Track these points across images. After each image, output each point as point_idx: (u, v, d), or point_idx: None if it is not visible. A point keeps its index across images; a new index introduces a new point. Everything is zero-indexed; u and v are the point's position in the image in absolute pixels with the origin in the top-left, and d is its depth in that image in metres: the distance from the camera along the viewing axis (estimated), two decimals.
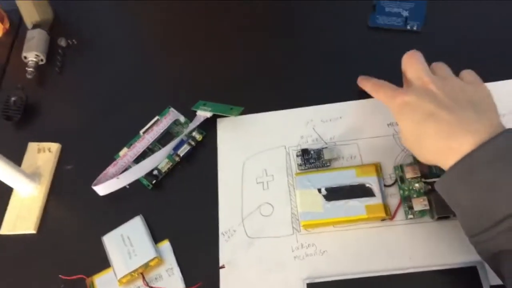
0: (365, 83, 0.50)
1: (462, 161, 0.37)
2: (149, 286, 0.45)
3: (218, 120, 0.56)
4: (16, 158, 0.54)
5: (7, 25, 0.71)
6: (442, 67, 0.44)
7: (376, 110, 0.52)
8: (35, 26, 0.68)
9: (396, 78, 0.53)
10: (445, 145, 0.38)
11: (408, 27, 0.57)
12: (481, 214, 0.36)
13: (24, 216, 0.52)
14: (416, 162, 0.47)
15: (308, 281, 0.44)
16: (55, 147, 0.57)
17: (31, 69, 0.64)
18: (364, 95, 0.53)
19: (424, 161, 0.42)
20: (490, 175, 0.36)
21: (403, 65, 0.45)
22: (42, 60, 0.65)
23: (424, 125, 0.40)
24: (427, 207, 0.45)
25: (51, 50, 0.67)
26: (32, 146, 0.57)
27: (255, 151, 0.53)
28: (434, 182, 0.45)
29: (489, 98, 0.41)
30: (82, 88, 0.63)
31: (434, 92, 0.41)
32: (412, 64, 0.44)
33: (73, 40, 0.68)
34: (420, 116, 0.40)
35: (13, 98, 0.61)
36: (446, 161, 0.38)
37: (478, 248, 0.39)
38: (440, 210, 0.44)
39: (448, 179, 0.38)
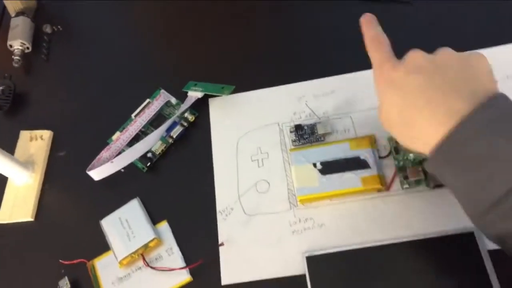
0: (366, 30, 0.42)
1: (449, 138, 0.32)
2: (150, 266, 0.46)
3: (210, 100, 0.55)
4: (8, 147, 0.53)
5: None
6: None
7: (369, 82, 0.51)
8: (18, 13, 0.67)
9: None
10: (436, 127, 0.33)
11: None
12: (479, 193, 0.32)
13: (20, 204, 0.52)
14: None
15: (307, 254, 0.44)
16: (47, 134, 0.57)
17: (17, 57, 0.63)
18: (356, 68, 0.53)
19: (412, 148, 0.37)
20: (482, 147, 0.31)
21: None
22: (28, 48, 0.65)
23: (413, 110, 0.35)
24: (422, 177, 0.45)
25: (36, 37, 0.66)
26: (24, 135, 0.57)
27: (249, 129, 0.53)
28: None
29: (484, 64, 0.36)
30: (70, 74, 0.62)
31: (422, 68, 0.36)
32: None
33: (58, 27, 0.67)
34: (407, 100, 0.35)
35: (1, 88, 0.61)
36: (431, 141, 0.34)
37: (482, 230, 0.34)
38: (436, 179, 0.44)
39: (435, 160, 0.34)
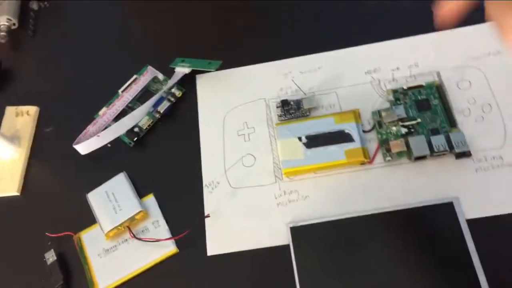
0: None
1: None
2: (136, 237, 0.46)
3: (197, 76, 0.56)
4: None
5: None
6: None
7: (354, 59, 0.53)
8: None
9: (368, 24, 0.54)
10: None
11: None
12: None
13: (6, 178, 0.52)
14: (391, 107, 0.48)
15: (291, 225, 0.45)
16: (33, 110, 0.56)
17: (3, 33, 0.63)
18: (341, 45, 0.53)
19: None
20: None
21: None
22: (14, 24, 0.64)
23: None
24: (405, 149, 0.46)
25: (23, 14, 0.65)
26: (10, 110, 0.57)
27: (235, 104, 0.53)
28: (410, 125, 0.47)
29: None
30: (57, 50, 0.62)
31: None
32: None
33: (45, 3, 0.66)
34: None
35: None
36: None
37: None
38: (417, 150, 0.45)
39: None
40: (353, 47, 0.54)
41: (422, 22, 0.50)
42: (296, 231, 0.45)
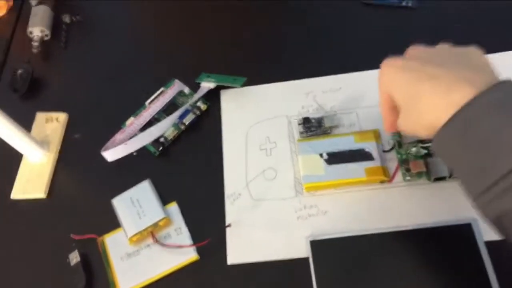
0: None
1: (456, 116, 0.33)
2: (159, 243, 0.47)
3: (222, 91, 0.58)
4: (24, 127, 0.55)
5: (11, 2, 0.72)
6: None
7: (374, 81, 0.54)
8: (39, 3, 0.69)
9: (391, 53, 0.56)
10: (443, 101, 0.34)
11: (403, 4, 0.59)
12: (481, 171, 0.33)
13: (34, 181, 0.54)
14: None
15: (311, 239, 0.46)
16: (62, 116, 0.59)
17: (36, 43, 0.65)
18: (363, 67, 0.55)
19: (420, 130, 0.38)
20: (487, 128, 0.32)
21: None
22: (47, 35, 0.67)
23: (418, 84, 0.36)
24: (424, 169, 0.47)
25: (56, 26, 0.68)
26: (40, 116, 0.59)
27: (258, 120, 0.55)
28: (430, 146, 0.48)
29: (481, 55, 0.38)
30: (87, 62, 0.64)
31: (422, 55, 0.39)
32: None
33: (77, 17, 0.69)
34: (412, 75, 0.37)
35: (19, 71, 0.63)
36: (443, 120, 0.34)
37: (482, 211, 0.35)
38: (436, 172, 0.46)
39: (442, 137, 0.35)
40: (374, 70, 0.55)
41: None
42: (316, 245, 0.46)
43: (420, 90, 0.36)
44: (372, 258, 0.45)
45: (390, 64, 0.40)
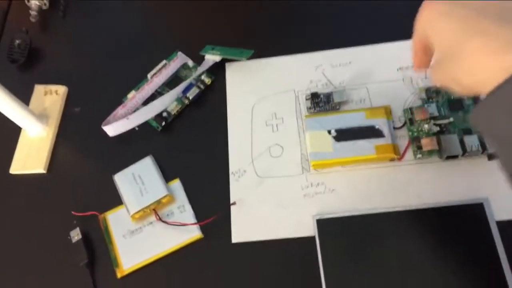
0: None
1: (509, 82, 0.29)
2: (162, 220, 0.46)
3: (227, 64, 0.56)
4: (22, 100, 0.53)
5: None
6: None
7: (386, 55, 0.52)
8: None
9: (400, 21, 0.54)
10: (493, 64, 0.30)
11: None
12: None
13: (33, 155, 0.53)
14: (423, 105, 0.47)
15: (317, 217, 0.45)
16: (62, 89, 0.57)
17: (34, 12, 0.63)
18: (374, 40, 0.53)
19: (456, 87, 0.33)
20: None
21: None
22: (45, 4, 0.64)
23: (464, 38, 0.31)
24: (436, 147, 0.45)
25: None
26: (39, 89, 0.57)
27: (264, 94, 0.53)
28: (443, 123, 0.46)
29: None
30: (87, 32, 0.62)
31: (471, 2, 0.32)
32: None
33: None
34: (458, 26, 0.32)
35: (17, 41, 0.60)
36: (487, 85, 0.30)
37: None
38: (450, 150, 0.44)
39: (488, 104, 0.30)
40: (386, 43, 0.53)
41: None
42: (322, 224, 0.45)
43: (467, 45, 0.31)
44: (379, 237, 0.43)
45: (432, 8, 0.34)
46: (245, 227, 0.46)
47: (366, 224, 0.44)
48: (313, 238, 0.44)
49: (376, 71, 0.52)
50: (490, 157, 0.44)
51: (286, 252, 0.44)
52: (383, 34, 0.53)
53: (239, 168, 0.49)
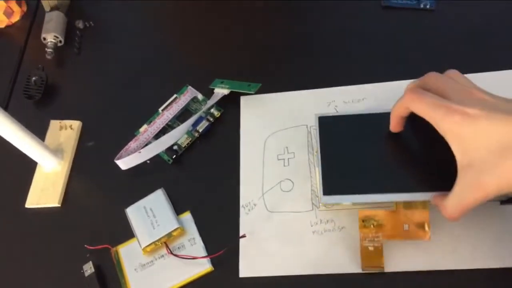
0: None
1: None
2: (173, 254, 0.47)
3: (241, 97, 0.56)
4: (38, 135, 0.54)
5: (25, 8, 0.72)
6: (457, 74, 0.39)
7: (399, 92, 0.53)
8: (52, 9, 0.69)
9: (413, 57, 0.54)
10: None
11: (421, 6, 0.58)
12: None
13: (48, 189, 0.54)
14: None
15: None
16: (76, 124, 0.58)
17: (50, 49, 0.65)
18: (386, 78, 0.53)
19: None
20: None
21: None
22: (60, 41, 0.67)
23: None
24: None
25: (69, 32, 0.68)
26: (54, 124, 0.59)
27: (277, 128, 0.54)
28: None
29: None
30: (100, 68, 0.64)
31: (486, 99, 0.35)
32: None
33: (90, 22, 0.69)
34: (499, 133, 0.33)
35: (33, 78, 0.62)
36: None
37: None
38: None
39: None
40: (399, 81, 0.53)
41: (471, 60, 0.51)
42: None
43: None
44: None
45: (419, 98, 0.38)
46: (254, 262, 0.46)
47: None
48: (321, 276, 0.44)
49: (388, 108, 0.52)
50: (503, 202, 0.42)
51: None
52: (396, 72, 0.54)
53: (249, 201, 0.50)
